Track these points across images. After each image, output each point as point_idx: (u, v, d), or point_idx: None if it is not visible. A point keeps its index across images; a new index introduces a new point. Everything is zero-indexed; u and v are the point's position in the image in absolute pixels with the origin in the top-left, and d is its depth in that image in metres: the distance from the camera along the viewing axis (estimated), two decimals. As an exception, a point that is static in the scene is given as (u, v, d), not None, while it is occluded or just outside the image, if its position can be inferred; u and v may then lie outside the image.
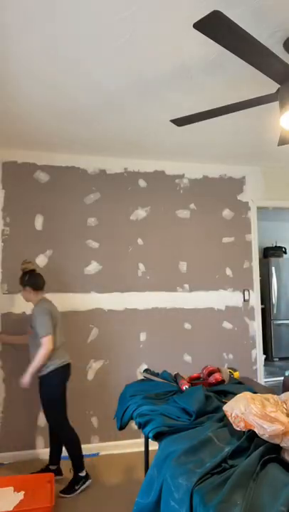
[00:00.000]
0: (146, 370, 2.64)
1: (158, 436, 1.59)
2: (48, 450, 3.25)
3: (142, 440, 3.39)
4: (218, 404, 1.79)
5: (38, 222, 3.41)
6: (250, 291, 3.82)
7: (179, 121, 2.16)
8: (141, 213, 3.63)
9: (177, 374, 2.26)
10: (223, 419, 1.57)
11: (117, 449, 3.36)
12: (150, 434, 1.60)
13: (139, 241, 3.60)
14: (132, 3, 1.63)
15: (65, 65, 2.09)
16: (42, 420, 3.27)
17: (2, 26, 1.78)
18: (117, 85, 2.31)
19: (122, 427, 2.12)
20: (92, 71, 2.15)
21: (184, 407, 1.76)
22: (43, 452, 3.23)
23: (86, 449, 3.30)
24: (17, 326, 3.27)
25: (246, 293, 3.81)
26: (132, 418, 1.95)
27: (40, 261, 3.38)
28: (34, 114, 2.69)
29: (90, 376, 3.41)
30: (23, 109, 2.61)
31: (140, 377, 2.56)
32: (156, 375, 2.49)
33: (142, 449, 3.37)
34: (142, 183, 3.66)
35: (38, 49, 1.95)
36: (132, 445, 3.38)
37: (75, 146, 3.31)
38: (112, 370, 3.44)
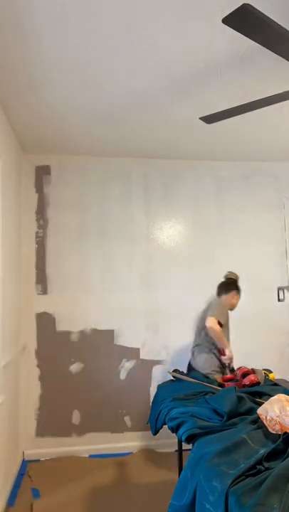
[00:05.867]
0: (175, 370, 2.63)
1: (190, 439, 1.57)
2: (83, 448, 3.30)
3: (176, 440, 3.37)
4: (252, 405, 1.75)
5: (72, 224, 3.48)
6: (285, 290, 3.71)
7: (209, 119, 2.14)
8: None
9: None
10: (257, 421, 1.54)
11: (150, 449, 3.36)
12: (183, 437, 1.59)
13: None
14: (160, 2, 1.63)
15: (96, 66, 2.11)
16: (76, 417, 3.33)
17: (35, 34, 1.83)
18: (147, 85, 2.31)
19: (156, 432, 2.12)
20: (122, 72, 2.17)
21: (216, 407, 1.73)
22: (79, 450, 3.29)
23: (119, 448, 3.33)
24: (50, 325, 3.36)
25: (281, 292, 3.70)
26: (165, 423, 1.94)
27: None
28: (66, 118, 2.74)
29: (123, 375, 3.43)
30: (56, 114, 2.67)
31: (170, 376, 2.56)
32: (185, 374, 2.48)
33: (176, 448, 3.35)
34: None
35: (70, 53, 1.98)
36: (167, 445, 3.34)
37: (107, 149, 3.33)
38: (143, 369, 3.45)
